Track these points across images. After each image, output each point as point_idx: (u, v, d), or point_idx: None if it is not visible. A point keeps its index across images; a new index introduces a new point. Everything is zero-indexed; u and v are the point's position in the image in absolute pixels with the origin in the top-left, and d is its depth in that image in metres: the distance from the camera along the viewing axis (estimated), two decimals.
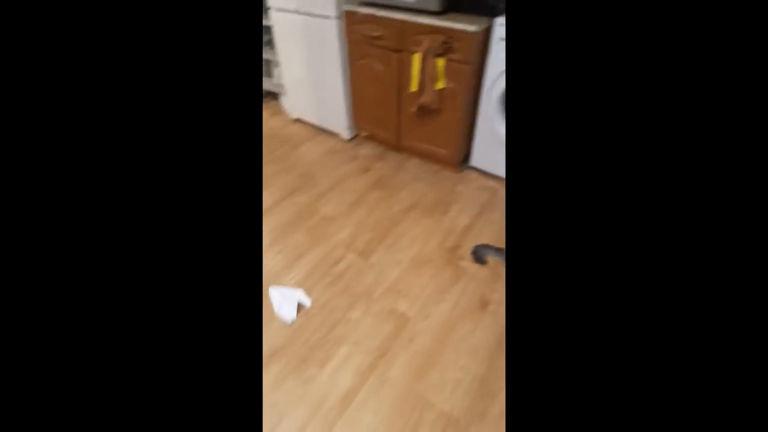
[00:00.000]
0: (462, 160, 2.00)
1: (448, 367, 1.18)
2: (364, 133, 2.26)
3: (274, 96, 2.74)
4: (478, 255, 1.51)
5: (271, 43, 2.49)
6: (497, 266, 1.50)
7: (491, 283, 1.44)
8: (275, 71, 2.59)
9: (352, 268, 1.51)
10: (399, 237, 1.64)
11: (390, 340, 1.26)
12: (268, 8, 2.09)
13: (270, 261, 1.54)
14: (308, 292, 1.41)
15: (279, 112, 2.63)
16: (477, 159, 1.96)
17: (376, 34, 1.75)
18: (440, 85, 1.68)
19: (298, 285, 1.43)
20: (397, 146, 2.14)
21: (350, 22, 1.81)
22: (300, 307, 1.38)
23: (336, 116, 2.22)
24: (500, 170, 1.91)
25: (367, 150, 2.22)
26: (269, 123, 2.52)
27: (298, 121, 2.51)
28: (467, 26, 1.51)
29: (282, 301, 1.37)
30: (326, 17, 1.83)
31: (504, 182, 1.93)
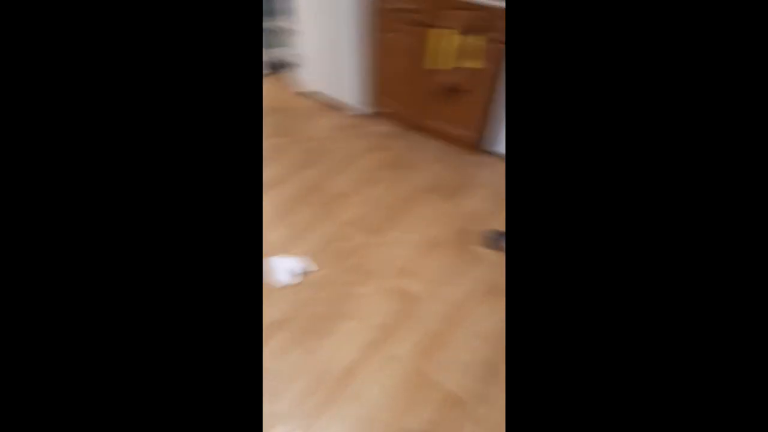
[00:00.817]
0: (484, 143, 1.95)
1: (458, 349, 1.16)
2: (381, 110, 2.20)
3: (290, 67, 2.66)
4: (493, 241, 1.49)
5: (291, 11, 2.41)
6: None
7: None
8: (292, 41, 2.50)
9: (363, 246, 1.48)
10: (413, 218, 1.60)
11: (399, 318, 1.23)
12: None
13: (277, 235, 1.51)
14: (320, 266, 1.38)
15: (293, 83, 2.56)
16: (501, 143, 1.91)
17: (409, 6, 1.68)
18: (474, 64, 1.62)
19: (309, 258, 1.40)
20: (415, 125, 2.08)
21: None
22: (302, 271, 1.35)
23: (353, 90, 2.15)
24: None
25: (383, 127, 2.16)
26: (282, 94, 2.45)
27: (312, 93, 2.44)
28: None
29: (281, 265, 1.35)
30: None
31: None
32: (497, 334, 1.21)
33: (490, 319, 1.25)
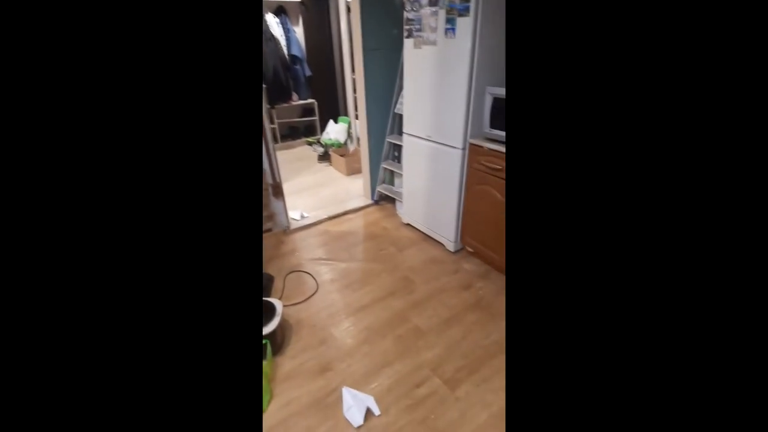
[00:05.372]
0: None
1: None
2: (469, 249, 2.28)
3: (392, 200, 3.04)
4: None
5: (398, 159, 2.86)
6: None
7: None
8: (396, 181, 2.91)
9: (436, 396, 1.40)
10: (493, 373, 1.49)
11: None
12: (401, 132, 2.46)
13: (356, 363, 1.55)
14: (385, 411, 1.35)
15: (393, 215, 2.88)
16: None
17: (496, 166, 1.87)
18: None
19: (377, 398, 1.38)
20: (502, 267, 2.08)
21: (474, 153, 1.99)
22: (369, 413, 1.32)
23: (445, 228, 2.32)
24: None
25: (470, 265, 2.21)
26: (382, 223, 2.76)
27: (408, 225, 2.69)
28: None
29: (352, 403, 1.35)
30: (453, 147, 2.05)
31: None
32: None
33: None
